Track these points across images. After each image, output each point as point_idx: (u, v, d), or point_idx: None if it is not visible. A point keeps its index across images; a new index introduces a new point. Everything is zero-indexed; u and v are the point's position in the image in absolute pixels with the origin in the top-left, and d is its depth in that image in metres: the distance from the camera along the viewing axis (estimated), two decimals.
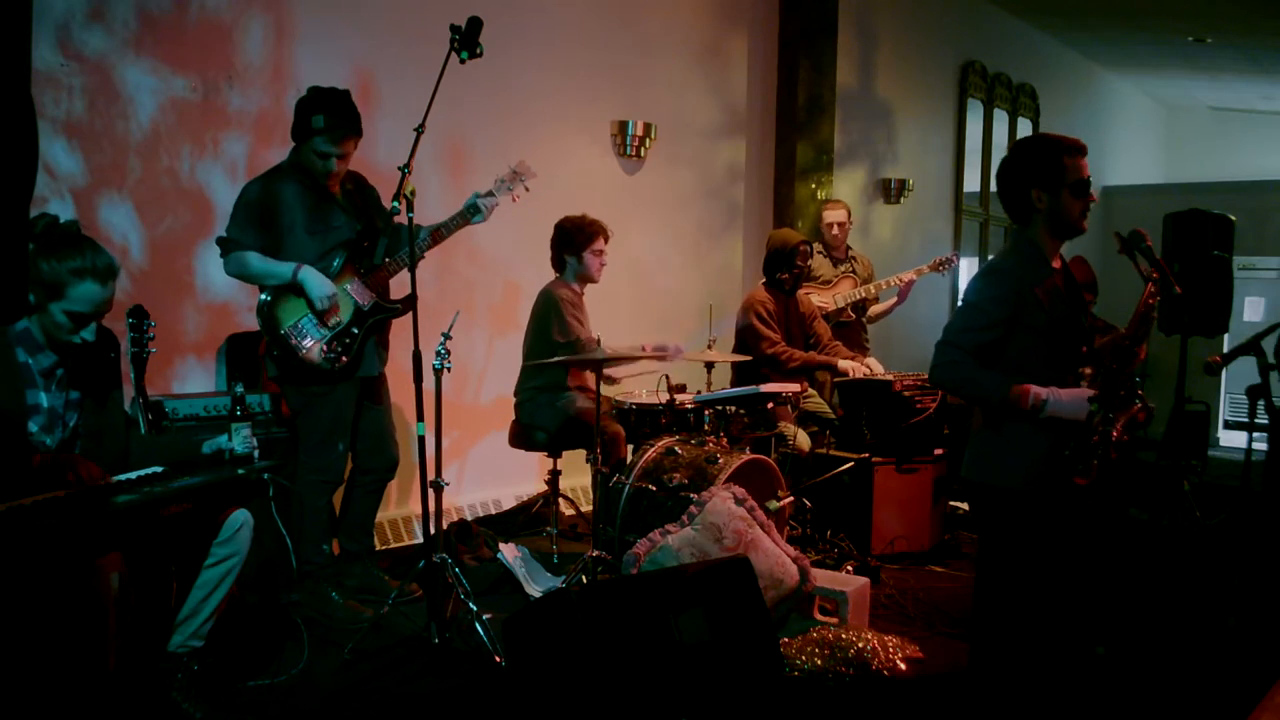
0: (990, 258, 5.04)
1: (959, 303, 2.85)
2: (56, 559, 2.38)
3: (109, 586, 2.51)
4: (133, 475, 2.70)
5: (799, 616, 3.88)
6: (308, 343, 3.78)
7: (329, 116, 3.74)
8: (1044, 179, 2.74)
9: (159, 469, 2.82)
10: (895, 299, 6.35)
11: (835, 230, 6.34)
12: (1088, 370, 2.68)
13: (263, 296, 3.77)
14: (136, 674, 2.67)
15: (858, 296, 6.14)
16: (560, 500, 4.94)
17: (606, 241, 4.77)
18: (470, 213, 3.97)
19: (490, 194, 4.02)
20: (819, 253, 6.26)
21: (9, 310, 1.70)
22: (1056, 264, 2.82)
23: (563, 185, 5.67)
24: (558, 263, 4.81)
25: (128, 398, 3.06)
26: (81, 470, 2.60)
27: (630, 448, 4.60)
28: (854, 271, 6.29)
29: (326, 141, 3.76)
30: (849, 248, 6.43)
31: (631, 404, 4.67)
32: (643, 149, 6.34)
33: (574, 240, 4.73)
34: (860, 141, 8.08)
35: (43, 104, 3.90)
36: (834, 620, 3.87)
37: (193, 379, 4.38)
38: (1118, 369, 2.64)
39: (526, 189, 4.10)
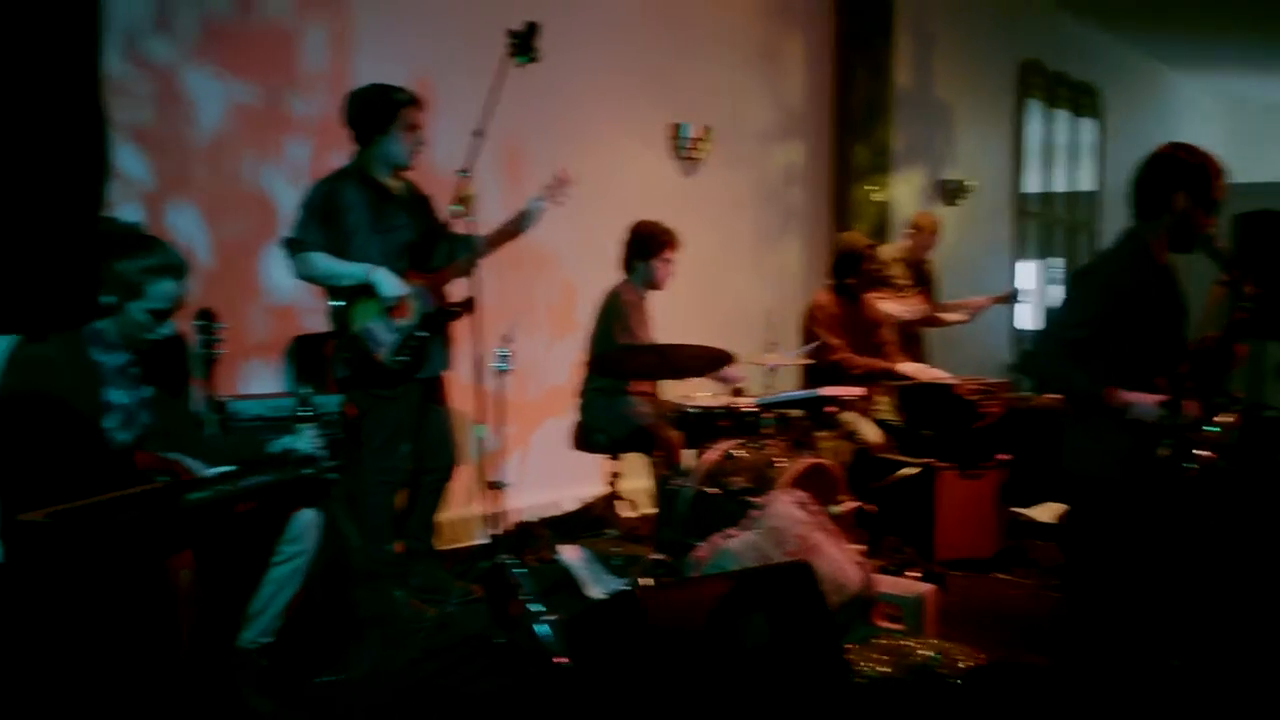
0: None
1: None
2: (130, 554, 2.42)
3: (181, 582, 2.56)
4: (210, 472, 2.75)
5: (862, 623, 3.83)
6: (379, 344, 3.83)
7: (402, 91, 3.82)
8: (1194, 186, 2.78)
9: (229, 469, 2.87)
10: (964, 316, 6.28)
11: (924, 241, 6.26)
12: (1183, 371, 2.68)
13: (334, 299, 3.83)
14: (207, 668, 2.72)
15: (927, 312, 6.08)
16: (621, 503, 4.95)
17: (676, 251, 4.79)
18: (523, 220, 4.03)
19: (538, 201, 4.06)
20: (896, 260, 6.21)
21: (84, 312, 1.74)
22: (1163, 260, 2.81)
23: (619, 188, 5.70)
24: (628, 265, 4.83)
25: (197, 398, 3.13)
26: (176, 466, 2.67)
27: (692, 451, 4.60)
28: (926, 282, 6.23)
29: (413, 111, 3.84)
30: (924, 260, 6.34)
31: (692, 407, 4.67)
32: (699, 151, 6.35)
33: (647, 246, 4.75)
34: (918, 142, 8.02)
35: (112, 111, 3.99)
36: (898, 627, 3.82)
37: (259, 379, 4.46)
38: (1205, 374, 2.63)
39: (569, 196, 4.12)
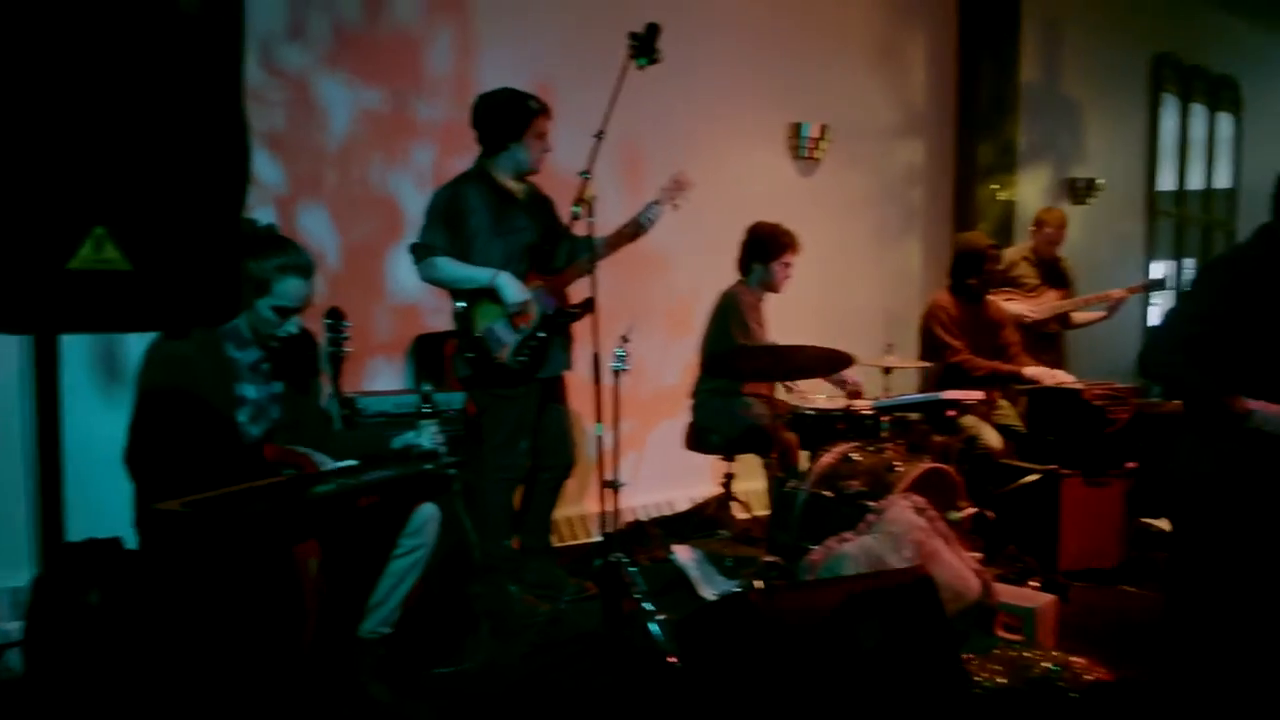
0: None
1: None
2: (261, 543, 2.51)
3: (307, 571, 2.64)
4: (333, 466, 2.84)
5: (980, 633, 3.74)
6: (501, 345, 3.90)
7: (535, 100, 3.90)
8: None
9: (353, 463, 2.95)
10: (1102, 313, 6.05)
11: (1050, 236, 6.07)
12: None
13: (458, 301, 3.91)
14: (329, 656, 2.80)
15: (1063, 309, 5.89)
16: (734, 504, 4.93)
17: (796, 255, 4.75)
18: (642, 222, 4.06)
19: (656, 203, 4.08)
20: (1024, 259, 6.03)
21: (225, 309, 1.80)
22: None
23: (738, 188, 5.68)
24: (745, 267, 4.81)
25: (325, 394, 3.22)
26: (303, 460, 2.76)
27: (806, 454, 4.55)
28: (1062, 282, 6.03)
29: (544, 120, 3.92)
30: (1059, 258, 6.15)
31: (808, 409, 4.62)
32: (818, 151, 6.28)
33: (767, 248, 4.73)
34: (1045, 140, 7.78)
35: (250, 118, 4.15)
36: (1018, 638, 3.71)
37: (382, 377, 4.58)
38: None
39: (686, 199, 4.13)
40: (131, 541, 2.56)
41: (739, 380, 4.68)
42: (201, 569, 2.40)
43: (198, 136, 1.73)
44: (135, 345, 3.35)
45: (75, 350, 3.66)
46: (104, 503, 2.68)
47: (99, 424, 3.01)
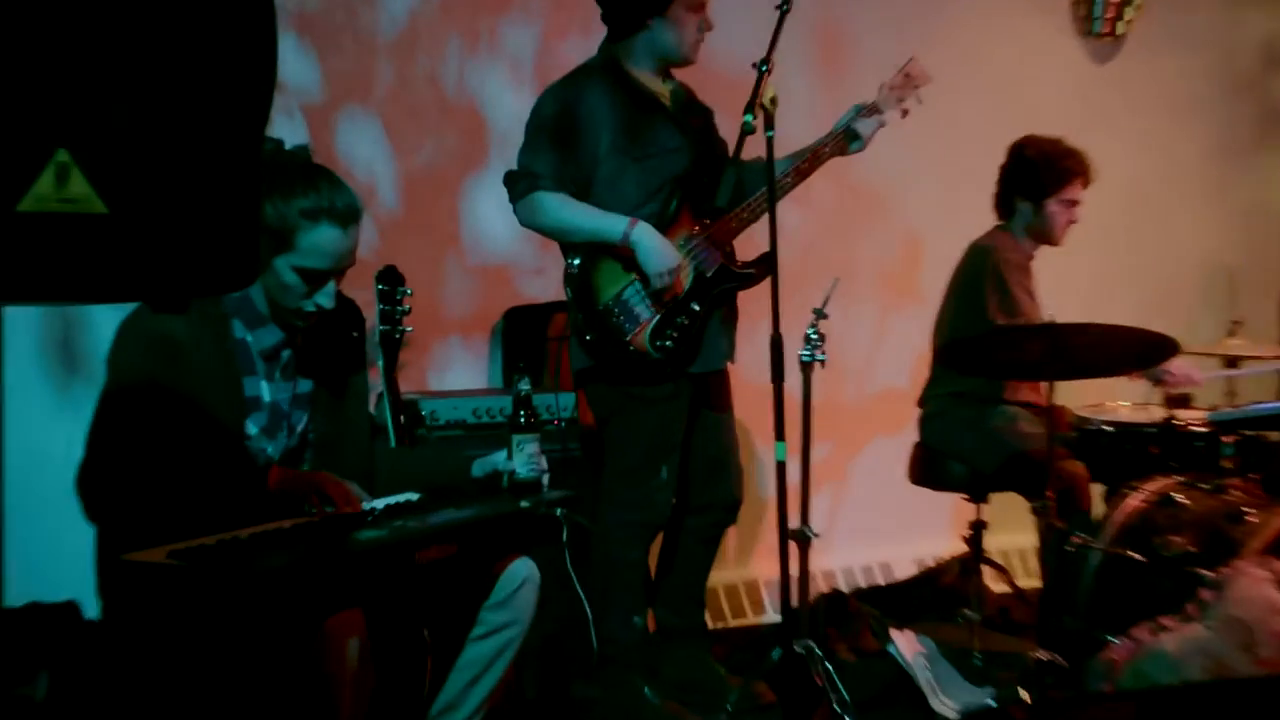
0: None
1: None
2: (277, 614, 2.55)
3: (345, 656, 2.67)
4: (379, 503, 2.86)
5: None
6: (635, 322, 3.90)
7: None
8: None
9: (413, 496, 2.97)
10: None
11: None
12: None
13: (571, 258, 3.92)
14: None
15: None
16: (986, 569, 4.84)
17: (1085, 187, 4.65)
18: (847, 137, 4.02)
19: (872, 108, 4.04)
20: None
21: (239, 271, 1.79)
22: None
23: (996, 86, 5.61)
24: (1006, 207, 4.74)
25: (373, 395, 3.27)
26: (331, 490, 2.78)
27: (1101, 493, 4.49)
28: None
29: None
30: None
31: (1104, 424, 4.52)
32: (1120, 24, 6.13)
33: (1039, 178, 4.64)
34: None
35: None
36: None
37: (457, 370, 4.65)
38: None
39: (919, 101, 4.10)
40: (92, 606, 2.63)
41: (996, 380, 4.62)
42: (193, 649, 2.45)
43: (200, 19, 1.73)
44: (103, 325, 3.46)
45: (18, 333, 3.81)
46: (56, 548, 2.76)
47: (51, 438, 3.11)
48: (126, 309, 2.84)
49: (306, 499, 2.79)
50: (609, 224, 3.85)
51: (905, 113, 4.09)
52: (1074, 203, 4.65)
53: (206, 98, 1.73)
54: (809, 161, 4.00)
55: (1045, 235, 4.70)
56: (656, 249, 3.83)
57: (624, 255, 3.86)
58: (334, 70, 4.43)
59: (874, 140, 4.06)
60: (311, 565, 2.51)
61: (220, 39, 1.76)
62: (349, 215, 2.89)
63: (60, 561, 2.71)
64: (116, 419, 2.78)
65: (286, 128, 4.24)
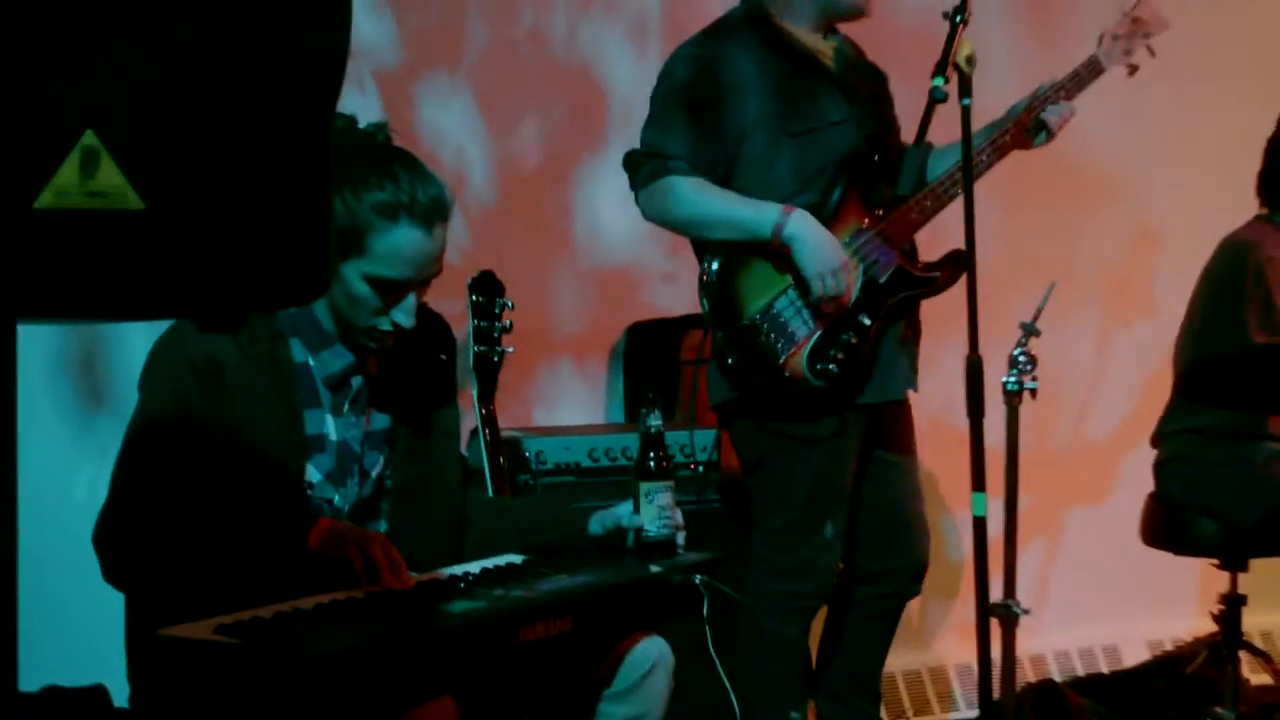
0: None
1: None
2: (350, 705, 2.56)
3: None
4: (474, 567, 2.86)
5: None
6: (792, 343, 3.89)
7: None
8: None
9: (516, 559, 2.98)
10: None
11: None
12: None
13: (710, 259, 3.93)
14: None
15: None
16: (1243, 655, 4.75)
17: None
18: (1032, 128, 3.99)
19: (1091, 64, 4.01)
20: None
21: (305, 283, 1.80)
22: None
23: (1256, 37, 5.51)
24: (1270, 192, 4.68)
25: (465, 432, 3.28)
26: (376, 552, 2.74)
27: None
28: None
29: None
30: None
31: None
32: None
33: None
34: None
35: None
36: None
37: (568, 400, 4.67)
38: None
39: (1152, 53, 4.07)
40: (122, 691, 2.66)
41: (1259, 413, 4.55)
42: None
43: None
44: (133, 345, 3.50)
45: (33, 356, 3.87)
46: (79, 619, 2.80)
47: (70, 481, 3.17)
48: (162, 326, 2.87)
49: (344, 565, 2.72)
50: (757, 215, 3.85)
51: (1133, 69, 4.05)
52: None
53: (265, 66, 1.74)
54: (1014, 133, 3.98)
55: None
56: (818, 246, 3.82)
57: (776, 255, 3.85)
58: (413, 30, 4.48)
59: (1098, 109, 4.03)
60: (393, 644, 2.51)
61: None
62: (434, 212, 2.89)
63: (84, 636, 2.74)
64: (146, 460, 2.81)
65: (357, 101, 4.28)
